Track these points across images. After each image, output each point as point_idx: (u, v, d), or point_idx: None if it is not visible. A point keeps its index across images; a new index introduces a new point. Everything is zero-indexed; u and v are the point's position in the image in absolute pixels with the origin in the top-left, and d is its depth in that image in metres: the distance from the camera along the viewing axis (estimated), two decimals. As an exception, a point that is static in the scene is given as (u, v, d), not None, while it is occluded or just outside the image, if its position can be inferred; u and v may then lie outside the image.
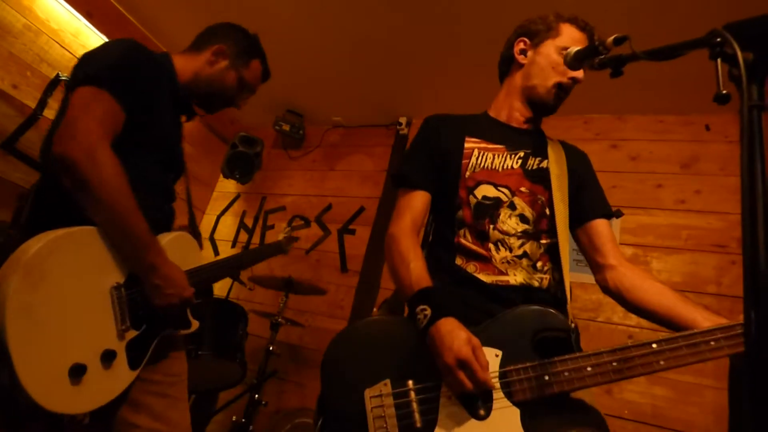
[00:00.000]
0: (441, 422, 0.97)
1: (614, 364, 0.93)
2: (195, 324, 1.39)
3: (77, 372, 1.00)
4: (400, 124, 3.61)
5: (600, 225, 1.28)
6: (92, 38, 2.93)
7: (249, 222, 3.87)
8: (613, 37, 0.92)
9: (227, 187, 4.07)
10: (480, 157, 1.26)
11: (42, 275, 0.98)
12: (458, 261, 1.20)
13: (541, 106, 1.30)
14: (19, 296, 0.94)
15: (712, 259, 2.49)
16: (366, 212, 3.53)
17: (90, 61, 1.20)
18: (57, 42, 2.73)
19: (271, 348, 2.72)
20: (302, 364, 3.24)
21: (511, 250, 1.17)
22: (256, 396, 2.62)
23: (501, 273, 1.15)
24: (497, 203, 1.21)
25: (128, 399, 1.21)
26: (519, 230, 1.19)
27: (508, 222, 1.20)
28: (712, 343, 0.91)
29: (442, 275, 1.19)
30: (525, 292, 1.14)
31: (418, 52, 2.88)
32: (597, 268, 1.28)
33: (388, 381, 1.03)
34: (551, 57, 1.26)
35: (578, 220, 1.30)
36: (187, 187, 1.60)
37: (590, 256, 1.30)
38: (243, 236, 3.85)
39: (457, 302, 1.12)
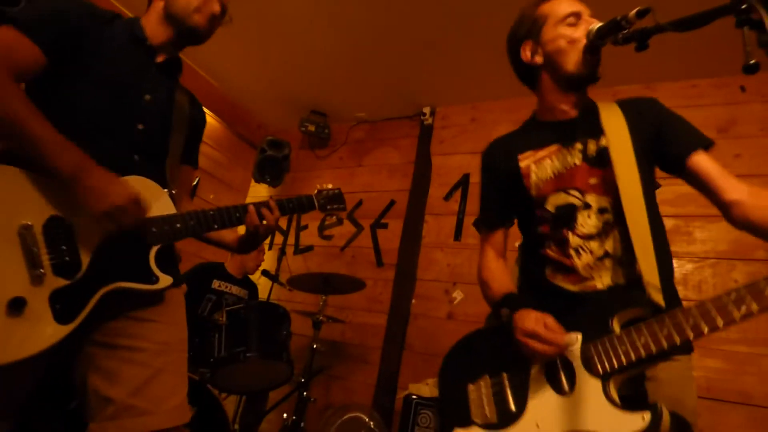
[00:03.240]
0: (531, 404, 1.11)
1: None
2: (165, 279, 1.16)
3: None
4: (424, 114, 3.60)
5: (697, 161, 1.13)
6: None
7: (283, 224, 3.96)
8: (635, 11, 0.90)
9: (259, 191, 4.17)
10: (539, 170, 1.26)
11: None
12: (547, 273, 1.24)
13: (582, 82, 1.24)
14: None
15: (759, 225, 2.40)
16: (397, 205, 3.55)
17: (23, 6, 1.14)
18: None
19: (315, 346, 2.79)
20: (345, 359, 3.30)
21: (592, 253, 1.16)
22: (305, 393, 2.70)
23: (586, 279, 1.16)
24: (571, 209, 1.20)
25: (96, 366, 1.11)
26: (601, 226, 1.16)
27: (588, 223, 1.18)
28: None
29: (533, 291, 1.27)
30: (613, 293, 1.13)
31: (437, 41, 2.87)
32: (721, 208, 1.12)
33: (486, 376, 1.23)
34: (560, 33, 1.20)
35: (676, 167, 1.18)
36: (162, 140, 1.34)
37: (710, 198, 1.14)
38: (278, 238, 3.95)
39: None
